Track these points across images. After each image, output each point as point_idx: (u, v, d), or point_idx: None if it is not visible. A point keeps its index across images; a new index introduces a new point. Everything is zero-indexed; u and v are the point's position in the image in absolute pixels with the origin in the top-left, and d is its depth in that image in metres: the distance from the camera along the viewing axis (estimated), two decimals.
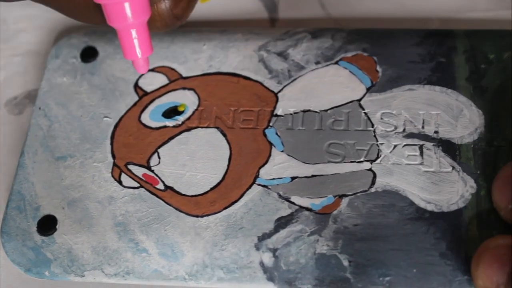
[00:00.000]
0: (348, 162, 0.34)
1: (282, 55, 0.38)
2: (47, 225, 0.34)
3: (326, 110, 0.36)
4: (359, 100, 0.36)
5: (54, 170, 0.35)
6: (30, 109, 0.40)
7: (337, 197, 0.33)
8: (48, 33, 0.43)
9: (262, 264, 0.32)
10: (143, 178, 0.35)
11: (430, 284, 0.31)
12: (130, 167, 0.35)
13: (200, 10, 0.42)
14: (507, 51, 0.36)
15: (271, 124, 0.36)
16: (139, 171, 0.35)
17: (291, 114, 0.36)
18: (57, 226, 0.34)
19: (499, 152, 0.34)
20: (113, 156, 0.36)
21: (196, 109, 0.37)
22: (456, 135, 0.34)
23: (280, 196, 0.34)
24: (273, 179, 0.34)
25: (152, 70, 0.38)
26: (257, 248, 0.32)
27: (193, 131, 0.36)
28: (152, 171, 0.35)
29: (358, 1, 0.42)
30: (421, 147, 0.34)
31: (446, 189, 0.33)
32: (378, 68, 0.37)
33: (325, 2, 0.42)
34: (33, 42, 0.42)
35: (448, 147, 0.34)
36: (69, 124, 0.37)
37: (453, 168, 0.34)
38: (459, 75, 0.36)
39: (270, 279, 0.32)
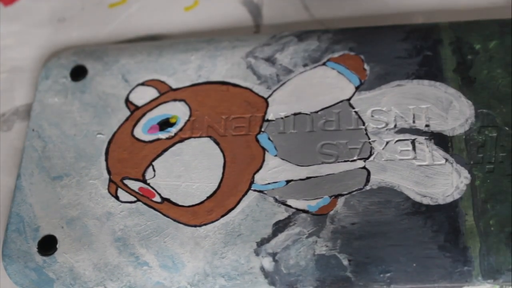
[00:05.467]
0: (341, 161, 0.34)
1: (270, 60, 0.38)
2: (48, 245, 0.34)
3: (317, 112, 0.36)
4: (348, 100, 0.36)
5: (51, 190, 0.36)
6: (19, 126, 0.40)
7: (333, 197, 0.33)
8: (34, 49, 0.43)
9: (262, 269, 0.32)
10: (139, 192, 0.35)
11: (431, 277, 0.31)
12: (126, 181, 0.35)
13: (184, 19, 0.42)
14: (493, 40, 0.37)
15: (263, 130, 0.36)
16: (135, 185, 0.35)
17: (282, 118, 0.36)
18: (57, 246, 0.34)
19: (491, 141, 0.34)
20: (109, 172, 0.36)
21: (188, 120, 0.37)
22: (447, 127, 0.35)
23: (276, 200, 0.34)
24: (268, 183, 0.34)
25: (142, 84, 0.38)
26: (257, 253, 0.33)
27: (186, 141, 0.36)
28: (148, 184, 0.35)
29: (341, 1, 0.42)
30: (413, 142, 0.34)
31: (441, 181, 0.33)
32: (366, 66, 0.37)
33: (308, 4, 0.42)
34: (19, 59, 0.43)
35: (440, 140, 0.34)
36: (63, 143, 0.37)
37: (447, 160, 0.34)
38: (447, 67, 0.36)
39: (272, 283, 0.32)
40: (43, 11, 0.44)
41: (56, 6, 0.44)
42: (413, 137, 0.35)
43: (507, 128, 0.34)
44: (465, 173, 0.33)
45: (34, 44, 0.43)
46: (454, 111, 0.35)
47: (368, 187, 0.33)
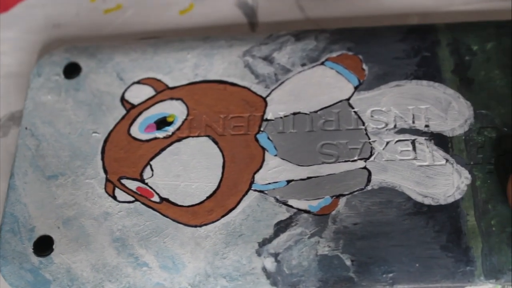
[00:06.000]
0: (342, 161, 0.34)
1: (268, 59, 0.38)
2: (44, 245, 0.33)
3: (316, 111, 0.36)
4: (348, 99, 0.36)
5: (46, 190, 0.35)
6: (15, 131, 0.39)
7: (334, 197, 0.33)
8: (28, 55, 0.42)
9: (264, 269, 0.32)
10: (137, 191, 0.34)
11: (433, 277, 0.31)
12: (124, 181, 0.35)
13: (179, 23, 0.42)
14: (490, 41, 0.37)
15: (262, 129, 0.36)
16: (132, 184, 0.35)
17: (281, 117, 0.36)
18: (53, 246, 0.33)
19: (490, 141, 0.34)
20: (105, 172, 0.35)
21: (186, 119, 0.36)
22: (447, 128, 0.35)
23: (277, 200, 0.33)
24: (269, 183, 0.34)
25: (138, 82, 0.38)
26: (259, 254, 0.32)
27: (184, 141, 0.36)
28: (146, 184, 0.35)
29: (335, 1, 0.42)
30: (413, 142, 0.34)
31: (442, 182, 0.33)
32: (364, 66, 0.37)
33: (303, 5, 0.42)
34: (13, 64, 0.42)
35: (440, 140, 0.34)
36: (58, 142, 0.36)
37: (447, 160, 0.34)
38: (445, 68, 0.36)
39: (274, 284, 0.32)
40: (38, 17, 0.43)
41: (51, 12, 0.43)
42: (413, 137, 0.35)
43: (506, 129, 0.34)
44: (465, 173, 0.33)
45: (30, 50, 0.42)
46: (453, 112, 0.35)
47: (369, 187, 0.33)
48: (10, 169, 0.37)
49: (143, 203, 0.34)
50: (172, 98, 0.37)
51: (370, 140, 0.35)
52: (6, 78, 0.41)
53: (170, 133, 0.36)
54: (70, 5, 0.43)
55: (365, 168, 0.34)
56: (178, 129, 0.36)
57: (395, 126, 0.35)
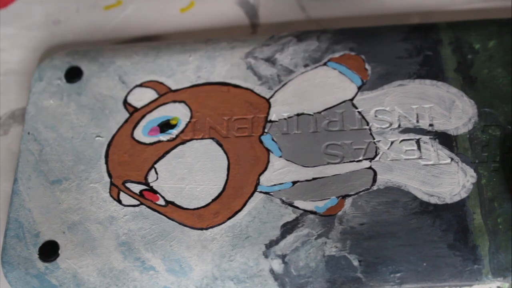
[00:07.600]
0: (347, 162, 0.34)
1: (270, 60, 0.38)
2: (49, 251, 0.33)
3: (320, 112, 0.36)
4: (351, 100, 0.36)
5: (50, 195, 0.35)
6: (15, 129, 0.39)
7: (340, 197, 0.33)
8: (29, 52, 0.42)
9: (272, 271, 0.32)
10: (142, 195, 0.34)
11: (441, 276, 0.31)
12: (128, 185, 0.35)
13: (180, 21, 0.42)
14: (492, 39, 0.37)
15: (266, 130, 0.35)
16: (137, 188, 0.34)
17: (285, 118, 0.36)
18: (59, 251, 0.33)
19: (494, 139, 0.34)
20: (110, 176, 0.35)
21: (189, 121, 0.36)
22: (451, 127, 0.35)
23: (283, 201, 0.33)
24: (274, 185, 0.34)
25: (140, 85, 0.38)
26: (266, 255, 0.32)
27: (188, 143, 0.36)
28: (151, 187, 0.34)
29: (337, 1, 0.42)
30: (418, 141, 0.34)
31: (447, 181, 0.33)
32: (367, 66, 0.37)
33: (305, 5, 0.42)
34: (14, 62, 0.42)
35: (445, 139, 0.34)
36: (61, 146, 0.36)
37: (452, 159, 0.34)
38: (447, 67, 0.36)
39: (282, 285, 0.32)
40: (37, 13, 0.43)
41: (50, 8, 0.43)
42: (417, 136, 0.35)
43: (510, 127, 0.34)
44: (471, 172, 0.33)
45: (29, 47, 0.42)
46: (457, 111, 0.35)
47: (375, 187, 0.33)
48: (11, 167, 0.37)
49: (148, 207, 0.34)
50: (175, 101, 0.37)
51: (374, 140, 0.35)
52: (6, 76, 0.41)
53: (174, 136, 0.36)
54: (70, 1, 0.43)
55: (370, 168, 0.34)
56: (182, 131, 0.36)
57: (399, 126, 0.35)
